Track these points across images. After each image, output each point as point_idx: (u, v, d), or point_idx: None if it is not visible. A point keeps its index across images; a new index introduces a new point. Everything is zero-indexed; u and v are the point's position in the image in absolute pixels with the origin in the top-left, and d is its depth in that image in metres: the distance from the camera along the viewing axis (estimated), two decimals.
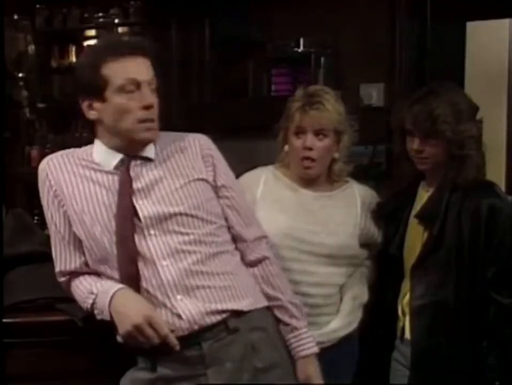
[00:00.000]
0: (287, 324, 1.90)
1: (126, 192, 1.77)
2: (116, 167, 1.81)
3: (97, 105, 1.78)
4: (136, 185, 1.79)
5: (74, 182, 1.80)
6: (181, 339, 1.72)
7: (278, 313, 1.90)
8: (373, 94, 4.37)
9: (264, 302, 1.88)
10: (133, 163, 1.81)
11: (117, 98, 1.75)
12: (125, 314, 1.69)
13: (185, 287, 1.74)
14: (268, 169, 2.34)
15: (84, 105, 1.79)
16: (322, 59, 4.40)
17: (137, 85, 1.75)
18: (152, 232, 1.76)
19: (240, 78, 4.61)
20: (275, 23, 4.46)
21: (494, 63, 3.83)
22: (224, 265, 1.83)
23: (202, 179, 1.86)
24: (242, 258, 1.91)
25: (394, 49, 4.27)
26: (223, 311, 1.77)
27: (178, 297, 1.73)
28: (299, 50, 4.41)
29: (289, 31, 4.41)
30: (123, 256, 1.75)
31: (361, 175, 2.39)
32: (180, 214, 1.78)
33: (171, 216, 1.77)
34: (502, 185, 3.18)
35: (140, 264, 1.74)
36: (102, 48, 1.83)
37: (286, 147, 2.29)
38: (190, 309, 1.73)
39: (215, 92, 4.75)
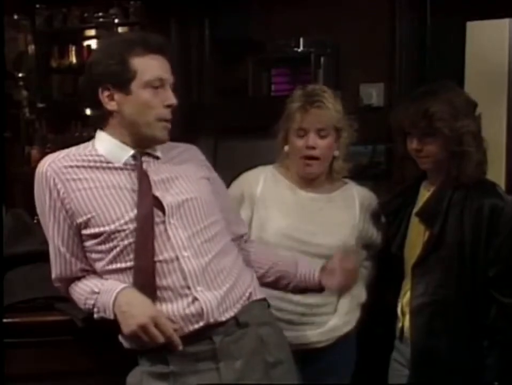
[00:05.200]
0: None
1: (146, 184, 1.78)
2: (126, 163, 1.80)
3: (118, 96, 1.77)
4: (152, 178, 1.80)
5: (85, 183, 1.77)
6: (193, 333, 1.72)
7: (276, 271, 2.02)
8: (373, 94, 4.37)
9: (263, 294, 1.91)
10: (144, 158, 1.82)
11: (143, 93, 1.76)
12: (131, 313, 1.69)
13: (204, 279, 1.75)
14: (267, 168, 2.34)
15: (104, 95, 1.78)
16: (322, 59, 4.40)
17: (162, 83, 1.78)
18: (172, 221, 1.76)
19: (240, 78, 4.61)
20: (275, 23, 4.47)
21: (494, 63, 3.83)
22: (233, 260, 1.86)
23: (207, 178, 1.92)
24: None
25: (394, 49, 4.27)
26: (235, 306, 1.78)
27: (199, 288, 1.74)
28: (299, 50, 4.42)
29: (289, 31, 4.41)
30: (141, 249, 1.73)
31: (360, 174, 2.39)
32: (195, 208, 1.81)
33: (190, 208, 1.80)
34: (502, 184, 3.18)
35: (162, 256, 1.74)
36: (130, 41, 1.81)
37: (286, 148, 2.29)
38: (211, 301, 1.74)
39: (215, 92, 4.75)
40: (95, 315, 1.76)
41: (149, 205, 1.75)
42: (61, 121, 5.10)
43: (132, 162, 1.80)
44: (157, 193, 1.78)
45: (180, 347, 1.70)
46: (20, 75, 4.99)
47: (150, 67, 1.77)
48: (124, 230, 1.74)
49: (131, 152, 1.80)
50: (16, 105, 4.95)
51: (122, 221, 1.74)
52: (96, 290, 1.76)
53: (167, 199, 1.78)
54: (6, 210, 2.28)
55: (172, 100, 1.79)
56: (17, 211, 2.25)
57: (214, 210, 1.87)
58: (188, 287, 1.73)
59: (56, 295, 1.90)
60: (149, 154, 1.83)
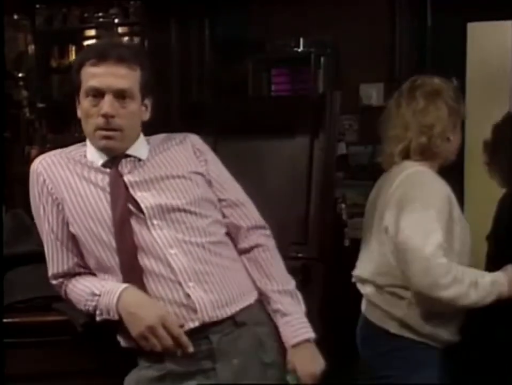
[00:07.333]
0: (274, 311, 1.85)
1: (118, 186, 1.78)
2: (105, 165, 1.82)
3: (79, 104, 1.83)
4: (133, 178, 1.80)
5: (71, 179, 1.80)
6: (190, 332, 1.72)
7: (264, 301, 1.87)
8: (373, 94, 4.37)
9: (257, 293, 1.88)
10: (123, 161, 1.82)
11: (84, 102, 1.79)
12: (138, 314, 1.69)
13: (195, 274, 1.74)
14: (439, 180, 2.22)
15: (77, 101, 1.84)
16: (322, 59, 4.40)
17: (99, 93, 1.76)
18: (155, 222, 1.76)
19: (240, 78, 4.61)
20: (275, 23, 4.46)
21: (495, 64, 3.84)
22: (226, 257, 1.84)
23: (197, 173, 1.88)
24: (236, 248, 1.90)
25: (394, 49, 4.28)
26: (232, 306, 1.77)
27: (191, 284, 1.73)
28: (299, 50, 4.42)
29: (289, 31, 4.41)
30: (123, 249, 1.74)
31: (361, 174, 2.40)
32: (179, 209, 1.79)
33: (174, 209, 1.78)
34: None
35: (147, 257, 1.74)
36: (88, 50, 1.86)
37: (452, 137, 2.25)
38: (203, 298, 1.73)
39: (215, 92, 4.75)
40: (97, 318, 1.76)
41: (123, 207, 1.76)
42: (61, 121, 5.09)
43: (111, 164, 1.82)
44: (138, 194, 1.78)
45: (191, 349, 1.70)
46: (20, 75, 4.98)
47: (91, 76, 1.76)
48: (103, 230, 1.75)
49: (106, 157, 1.82)
50: (16, 105, 4.95)
51: (97, 222, 1.76)
52: (97, 292, 1.76)
53: (148, 201, 1.77)
54: (6, 210, 2.29)
55: (104, 109, 1.75)
56: (17, 211, 2.25)
57: (204, 206, 1.84)
58: (180, 283, 1.72)
59: (56, 295, 1.90)
60: (129, 156, 1.83)
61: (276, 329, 1.87)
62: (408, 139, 2.24)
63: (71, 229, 1.80)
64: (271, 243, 1.93)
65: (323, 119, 2.99)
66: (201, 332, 1.74)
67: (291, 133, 3.44)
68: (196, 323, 1.72)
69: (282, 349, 1.86)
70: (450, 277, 2.03)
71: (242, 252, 1.91)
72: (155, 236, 1.75)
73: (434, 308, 2.13)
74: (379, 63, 4.31)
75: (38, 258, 2.00)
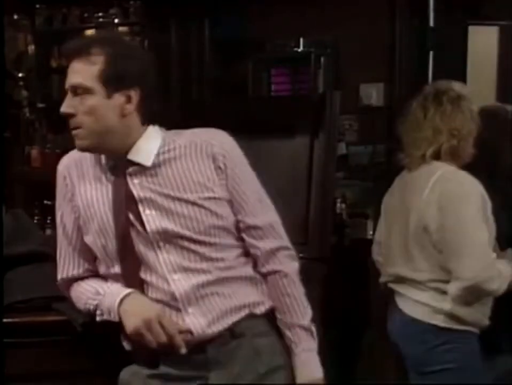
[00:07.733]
0: (288, 345, 1.80)
1: (122, 197, 1.71)
2: (113, 172, 1.74)
3: None
4: (143, 193, 1.70)
5: (87, 185, 1.75)
6: (188, 350, 1.69)
7: (281, 331, 1.81)
8: (373, 94, 4.38)
9: (267, 305, 1.81)
10: (131, 169, 1.71)
11: None
12: (135, 311, 1.67)
13: (196, 300, 1.70)
14: (472, 178, 2.28)
15: None
16: (322, 59, 4.41)
17: (68, 91, 1.69)
18: (161, 244, 1.70)
19: (240, 78, 4.61)
20: (275, 23, 4.47)
21: (486, 65, 3.87)
22: (231, 279, 1.76)
23: (211, 198, 1.72)
24: (255, 266, 1.81)
25: (394, 49, 4.28)
26: (230, 319, 1.73)
27: (190, 310, 1.69)
28: (299, 50, 4.43)
29: (289, 31, 4.42)
30: (126, 260, 1.72)
31: (360, 174, 2.41)
32: (187, 238, 1.70)
33: (181, 237, 1.70)
34: None
35: (151, 275, 1.71)
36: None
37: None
38: (201, 322, 1.69)
39: (215, 92, 4.75)
40: (97, 318, 1.75)
41: (124, 223, 1.70)
42: (61, 121, 5.08)
43: (118, 171, 1.73)
44: (146, 212, 1.70)
45: (184, 351, 1.68)
46: (20, 75, 4.98)
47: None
48: (110, 241, 1.72)
49: (112, 161, 1.74)
50: (16, 105, 4.95)
51: (105, 232, 1.72)
52: (101, 291, 1.75)
53: (154, 223, 1.69)
54: (6, 210, 2.29)
55: (62, 108, 1.68)
56: (17, 211, 2.25)
57: (214, 233, 1.74)
58: (179, 309, 1.70)
59: (56, 296, 1.90)
60: (131, 162, 1.72)
61: (277, 341, 1.80)
62: (438, 142, 2.32)
63: (84, 237, 1.77)
64: (291, 266, 1.81)
65: (323, 119, 2.99)
66: (198, 347, 1.70)
67: (291, 133, 3.44)
68: (193, 343, 1.69)
69: (282, 356, 1.80)
70: (497, 270, 2.18)
71: (261, 275, 1.82)
72: (160, 259, 1.70)
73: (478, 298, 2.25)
74: (379, 63, 4.31)
75: (38, 258, 2.00)
